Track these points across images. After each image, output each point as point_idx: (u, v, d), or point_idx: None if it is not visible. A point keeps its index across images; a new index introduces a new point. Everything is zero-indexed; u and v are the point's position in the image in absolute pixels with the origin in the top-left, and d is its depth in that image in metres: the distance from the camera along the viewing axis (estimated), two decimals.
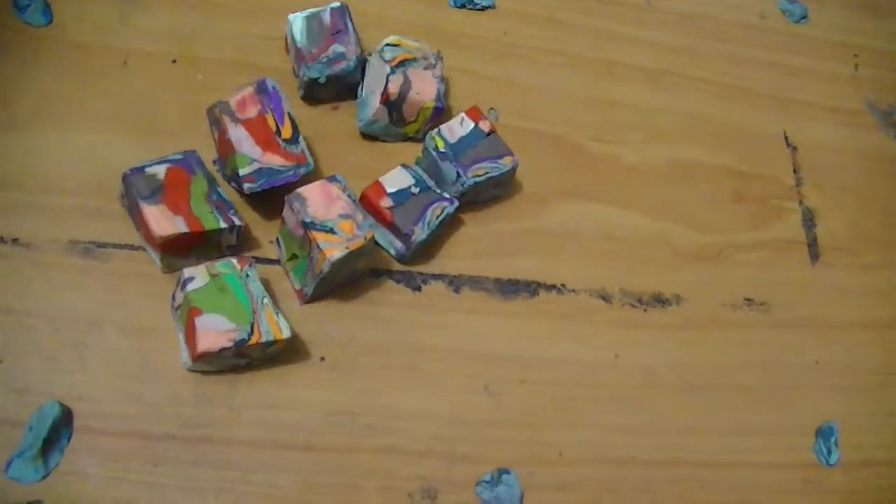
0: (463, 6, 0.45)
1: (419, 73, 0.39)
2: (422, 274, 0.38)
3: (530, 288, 0.40)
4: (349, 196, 0.35)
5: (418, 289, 0.38)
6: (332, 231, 0.34)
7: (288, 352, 0.35)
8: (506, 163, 0.39)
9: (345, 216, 0.34)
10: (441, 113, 0.40)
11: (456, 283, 0.39)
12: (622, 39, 0.48)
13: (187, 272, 0.33)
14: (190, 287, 0.32)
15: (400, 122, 0.40)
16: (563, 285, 0.40)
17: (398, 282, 0.38)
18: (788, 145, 0.48)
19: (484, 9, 0.46)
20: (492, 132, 0.39)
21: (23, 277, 0.33)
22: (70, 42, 0.37)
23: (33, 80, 0.36)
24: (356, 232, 0.34)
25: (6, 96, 0.36)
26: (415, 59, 0.39)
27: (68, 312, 0.33)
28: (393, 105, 0.39)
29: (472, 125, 0.39)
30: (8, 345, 0.32)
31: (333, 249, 0.33)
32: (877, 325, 0.44)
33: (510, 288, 0.39)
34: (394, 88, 0.38)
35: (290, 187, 0.35)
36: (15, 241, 0.34)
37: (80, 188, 0.35)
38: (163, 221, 0.33)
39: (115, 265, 0.35)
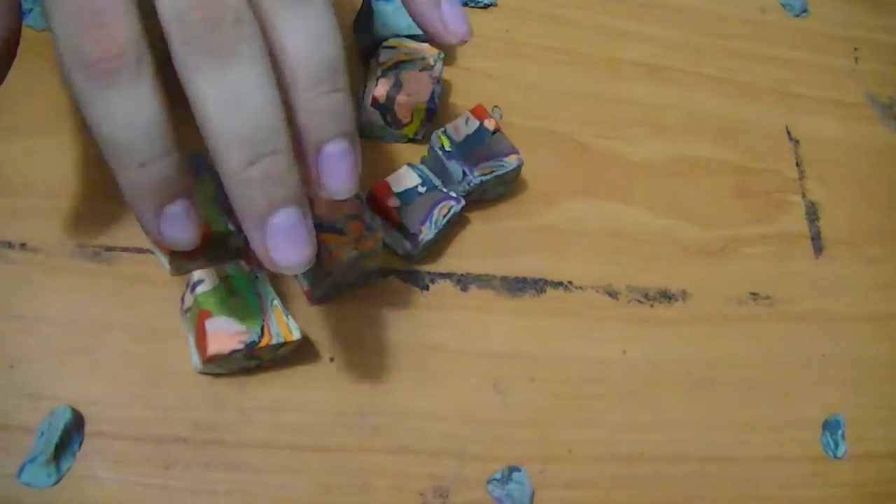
0: (465, 4, 0.45)
1: (413, 75, 0.39)
2: (429, 273, 0.38)
3: (537, 285, 0.40)
4: (357, 196, 0.35)
5: (426, 288, 0.38)
6: (340, 232, 0.34)
7: (297, 353, 0.35)
8: (511, 161, 0.39)
9: (353, 217, 0.34)
10: (434, 114, 0.40)
11: (463, 281, 0.39)
12: (624, 36, 0.48)
13: (196, 275, 0.33)
14: (199, 290, 0.32)
15: (395, 124, 0.40)
16: (569, 282, 0.40)
17: (406, 281, 0.38)
18: (790, 139, 0.49)
19: (486, 7, 0.46)
20: (497, 131, 0.39)
21: (32, 282, 0.33)
22: None
23: (38, 84, 0.36)
24: (365, 232, 0.34)
25: (11, 101, 0.36)
26: (411, 61, 0.39)
27: (78, 317, 0.33)
28: (383, 107, 0.39)
29: (477, 124, 0.39)
30: (18, 350, 0.32)
31: (343, 251, 0.33)
32: (882, 317, 0.45)
33: (517, 286, 0.39)
34: (380, 91, 0.38)
35: None
36: (23, 245, 0.34)
37: (87, 192, 0.35)
38: None
39: (123, 269, 0.34)
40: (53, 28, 0.23)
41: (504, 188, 0.41)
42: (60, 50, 0.23)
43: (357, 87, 0.42)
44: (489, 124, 0.39)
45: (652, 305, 0.41)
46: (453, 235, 0.39)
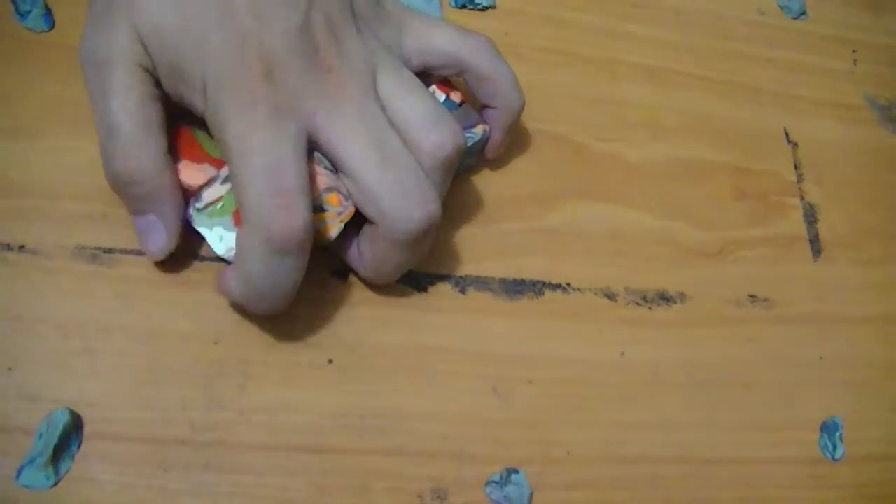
0: (463, 7, 0.45)
1: None
2: (427, 275, 0.38)
3: (536, 288, 0.40)
4: (325, 167, 0.34)
5: (424, 290, 0.38)
6: (321, 209, 0.33)
7: (296, 354, 0.35)
8: (478, 131, 0.39)
9: (329, 189, 0.33)
10: None
11: (462, 283, 0.39)
12: (622, 37, 0.48)
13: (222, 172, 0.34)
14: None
15: None
16: (568, 284, 0.40)
17: (404, 283, 0.38)
18: (789, 141, 0.49)
19: (485, 9, 0.46)
20: (463, 103, 0.39)
21: (31, 284, 0.33)
22: (73, 47, 0.37)
23: (37, 86, 0.36)
24: (344, 203, 0.33)
25: (10, 103, 0.36)
26: None
27: (77, 318, 0.33)
28: None
29: (443, 97, 0.39)
30: (17, 352, 0.32)
31: (329, 227, 0.33)
32: (880, 319, 0.45)
33: (516, 288, 0.39)
34: None
35: None
36: (22, 247, 0.34)
37: (86, 194, 0.35)
38: (192, 172, 0.33)
39: (121, 270, 0.35)
40: (244, 196, 0.30)
41: (472, 160, 0.40)
42: (247, 214, 0.30)
43: None
44: (455, 97, 0.39)
45: (650, 308, 0.41)
46: (450, 237, 0.39)
